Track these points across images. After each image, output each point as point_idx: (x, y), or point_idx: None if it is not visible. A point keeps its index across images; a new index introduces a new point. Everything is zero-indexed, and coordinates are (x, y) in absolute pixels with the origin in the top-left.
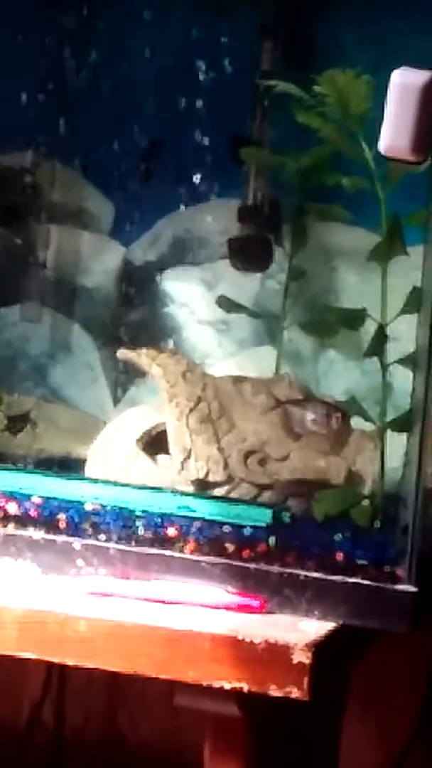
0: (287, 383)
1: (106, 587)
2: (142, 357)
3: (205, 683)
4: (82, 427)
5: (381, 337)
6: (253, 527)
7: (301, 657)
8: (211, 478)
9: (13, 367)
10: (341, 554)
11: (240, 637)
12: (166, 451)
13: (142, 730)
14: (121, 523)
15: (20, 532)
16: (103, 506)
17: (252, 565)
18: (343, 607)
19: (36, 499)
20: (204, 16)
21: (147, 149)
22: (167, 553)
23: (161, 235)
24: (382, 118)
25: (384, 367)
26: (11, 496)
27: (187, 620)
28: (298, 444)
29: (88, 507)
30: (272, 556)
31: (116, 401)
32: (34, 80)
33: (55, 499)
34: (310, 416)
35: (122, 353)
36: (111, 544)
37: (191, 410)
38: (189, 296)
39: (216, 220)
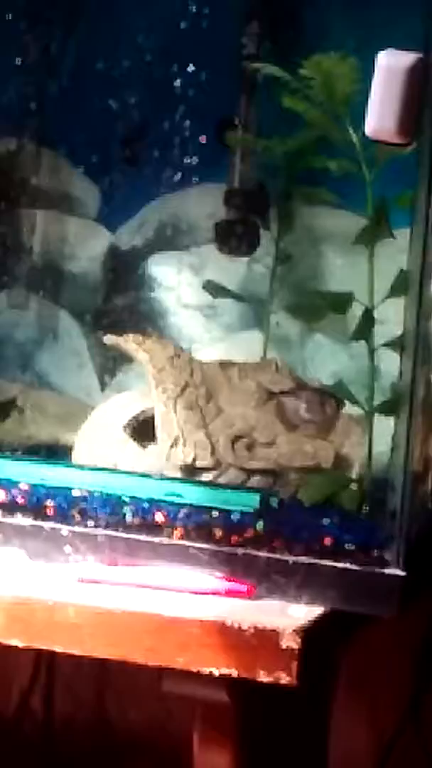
0: (274, 368)
1: (95, 574)
2: (128, 342)
3: (193, 669)
4: (69, 414)
5: (368, 320)
6: (241, 512)
7: (290, 642)
8: (198, 464)
9: (0, 354)
10: (329, 539)
11: (228, 623)
12: (154, 437)
13: (131, 716)
14: (109, 509)
15: (8, 519)
16: (91, 492)
17: (240, 551)
18: (331, 591)
19: (23, 486)
20: None
21: (132, 134)
22: (155, 539)
23: (148, 219)
24: (368, 101)
25: (371, 351)
26: None
27: (175, 606)
28: (286, 429)
29: (76, 493)
30: (260, 541)
31: (103, 387)
32: (18, 64)
33: (42, 485)
34: (304, 406)
35: (109, 339)
36: (99, 531)
37: (178, 396)
38: (176, 281)
39: (202, 204)
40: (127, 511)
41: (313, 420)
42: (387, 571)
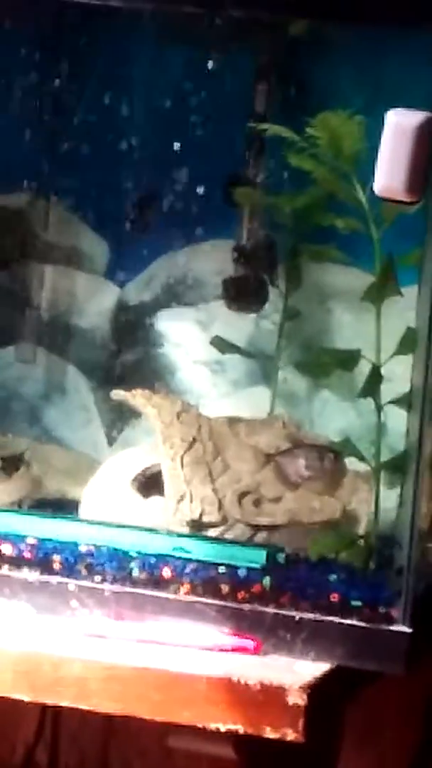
0: (281, 424)
1: (101, 629)
2: (136, 398)
3: (200, 725)
4: (76, 468)
5: (375, 377)
6: (248, 568)
7: (297, 698)
8: (205, 519)
9: (8, 408)
10: (336, 595)
11: (235, 679)
12: (161, 492)
13: None
14: (116, 564)
15: (15, 573)
16: (98, 547)
17: (247, 606)
18: (337, 648)
19: (31, 540)
20: (199, 58)
21: (142, 200)
22: (162, 594)
23: (156, 275)
24: (374, 159)
25: (378, 408)
26: (6, 537)
27: (181, 662)
28: (288, 489)
29: (83, 548)
30: (267, 597)
31: (111, 442)
32: (29, 122)
33: (49, 540)
34: (302, 463)
35: (117, 394)
36: (106, 586)
37: (186, 451)
38: (184, 337)
39: (211, 260)
40: (134, 566)
41: (314, 477)
42: (394, 628)
